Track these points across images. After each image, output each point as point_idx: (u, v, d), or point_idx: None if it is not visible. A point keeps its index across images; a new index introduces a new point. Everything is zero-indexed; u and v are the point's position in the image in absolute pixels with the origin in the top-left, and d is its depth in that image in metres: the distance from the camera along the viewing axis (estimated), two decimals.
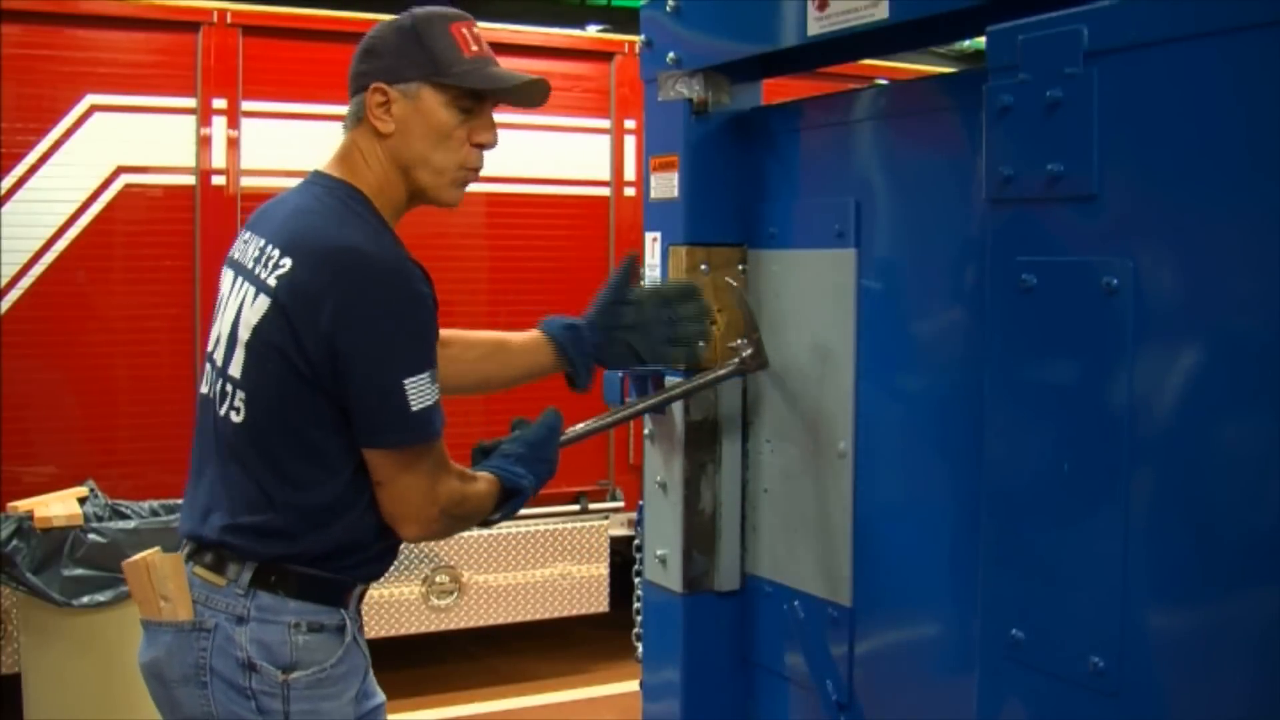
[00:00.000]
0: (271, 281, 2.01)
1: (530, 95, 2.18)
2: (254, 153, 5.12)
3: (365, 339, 1.96)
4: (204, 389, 2.15)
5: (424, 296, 2.01)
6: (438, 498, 2.06)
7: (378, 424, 2.00)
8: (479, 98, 2.11)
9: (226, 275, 2.16)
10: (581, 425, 2.43)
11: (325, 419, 2.01)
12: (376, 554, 2.12)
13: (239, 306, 2.06)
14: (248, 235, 2.15)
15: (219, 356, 2.09)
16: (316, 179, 2.14)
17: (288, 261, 2.00)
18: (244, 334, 2.03)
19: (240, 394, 2.03)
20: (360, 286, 1.96)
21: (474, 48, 2.11)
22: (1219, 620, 1.55)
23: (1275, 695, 1.47)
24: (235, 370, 2.04)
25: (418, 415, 1.98)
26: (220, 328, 2.11)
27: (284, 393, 2.00)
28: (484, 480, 2.16)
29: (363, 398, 1.98)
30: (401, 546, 2.23)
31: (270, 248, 2.04)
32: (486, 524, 2.25)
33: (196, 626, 2.04)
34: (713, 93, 2.59)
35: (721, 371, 2.51)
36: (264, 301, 2.01)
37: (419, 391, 1.98)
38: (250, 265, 2.07)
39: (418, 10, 2.12)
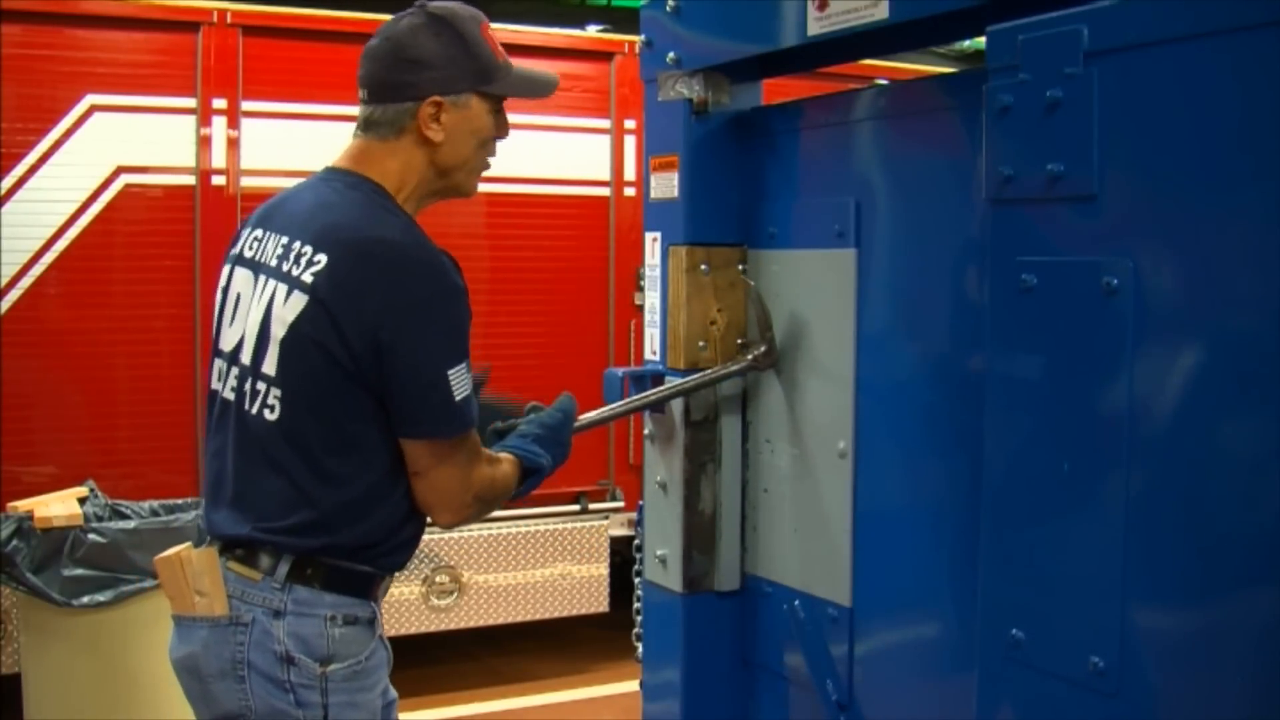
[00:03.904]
0: (307, 278, 2.00)
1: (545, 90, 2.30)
2: (254, 153, 5.12)
3: (410, 332, 1.98)
4: (220, 387, 2.14)
5: (460, 289, 2.04)
6: (472, 485, 2.10)
7: (422, 415, 2.02)
8: (505, 97, 2.18)
9: (240, 274, 2.14)
10: (595, 412, 2.46)
11: (364, 412, 2.02)
12: (402, 543, 2.13)
13: (268, 304, 2.05)
14: (260, 232, 2.14)
15: (246, 355, 2.08)
16: (334, 175, 2.14)
17: (322, 257, 2.01)
18: (278, 330, 2.02)
19: (275, 391, 2.03)
20: (402, 280, 1.98)
21: (500, 49, 2.18)
22: (1218, 620, 1.55)
23: (1275, 695, 1.47)
24: (270, 368, 2.04)
25: (459, 406, 2.02)
26: (244, 326, 2.10)
27: (324, 387, 2.01)
28: (506, 461, 2.20)
29: (407, 390, 2.00)
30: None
31: (299, 244, 2.04)
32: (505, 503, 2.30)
33: (233, 621, 2.04)
34: (713, 93, 2.59)
35: (734, 367, 2.54)
36: (300, 298, 2.01)
37: (459, 382, 2.01)
38: (274, 263, 2.06)
39: (438, 12, 2.13)
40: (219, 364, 2.15)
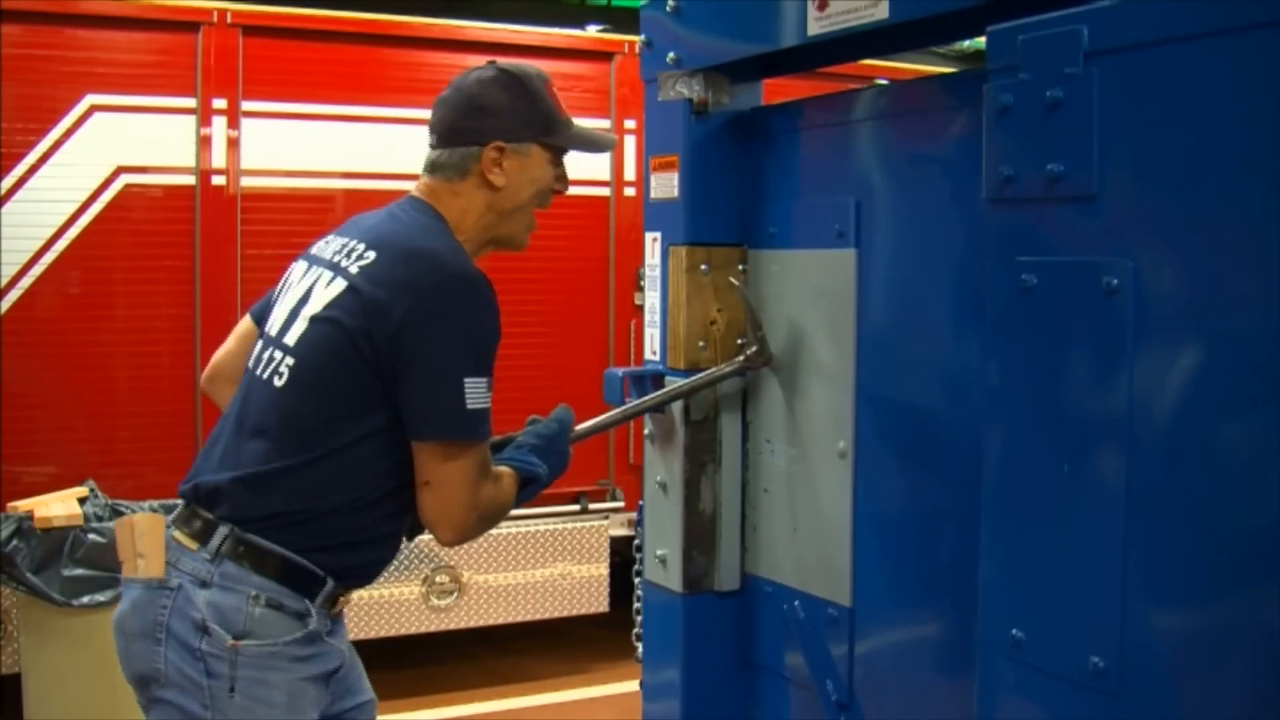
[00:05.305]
0: (353, 269, 2.13)
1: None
2: (254, 153, 5.12)
3: (435, 334, 2.05)
4: (251, 364, 2.23)
5: (493, 308, 2.12)
6: (478, 503, 2.14)
7: (432, 416, 2.07)
8: (564, 151, 2.31)
9: (298, 266, 2.27)
10: (591, 421, 2.48)
11: (368, 399, 2.08)
12: (352, 544, 2.14)
13: (309, 286, 2.17)
14: (331, 238, 2.27)
15: (275, 329, 2.19)
16: (406, 201, 2.28)
17: (372, 254, 2.13)
18: (310, 309, 2.14)
19: (289, 360, 2.12)
20: (440, 287, 2.07)
21: (563, 107, 2.31)
22: (1219, 620, 1.55)
23: (1276, 695, 1.47)
24: (290, 339, 2.15)
25: (471, 413, 2.07)
26: (284, 307, 2.21)
27: (336, 365, 2.08)
28: (506, 476, 2.25)
29: (421, 389, 2.06)
30: (401, 546, 2.27)
31: (356, 244, 2.17)
32: None
33: (162, 585, 2.10)
34: (713, 93, 2.59)
35: (727, 369, 2.54)
36: (340, 284, 2.12)
37: (476, 392, 2.07)
38: (330, 256, 2.20)
39: (510, 68, 2.28)
40: (259, 344, 2.24)
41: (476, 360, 2.08)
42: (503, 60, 2.31)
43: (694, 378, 2.54)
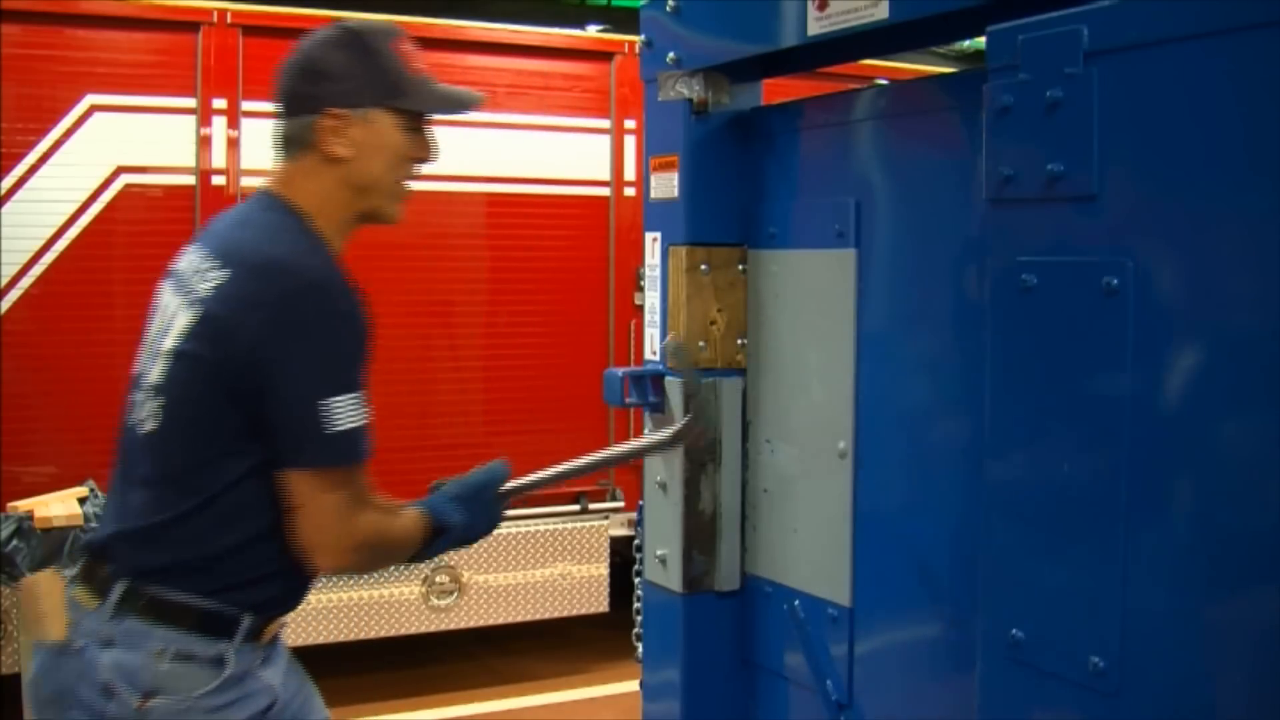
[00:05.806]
0: (205, 291, 1.98)
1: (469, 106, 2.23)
2: (254, 153, 5.12)
3: (289, 354, 1.92)
4: (126, 409, 2.11)
5: (353, 315, 1.97)
6: (356, 530, 2.00)
7: (296, 442, 1.94)
8: (423, 115, 2.12)
9: (165, 287, 2.12)
10: (528, 477, 2.36)
11: (236, 430, 1.96)
12: (261, 578, 2.02)
13: (169, 316, 2.04)
14: (192, 248, 2.12)
15: (141, 369, 2.06)
16: (259, 195, 2.12)
17: (220, 274, 1.98)
18: (169, 343, 2.00)
19: (156, 402, 2.00)
20: (290, 300, 1.93)
21: (415, 64, 2.12)
22: (1219, 620, 1.55)
23: (1276, 695, 1.47)
24: (154, 378, 2.02)
25: (338, 436, 1.92)
26: (148, 343, 2.08)
27: (201, 401, 1.96)
28: (409, 516, 2.12)
29: (283, 414, 1.94)
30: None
31: (206, 260, 2.03)
32: (410, 562, 2.19)
33: (65, 648, 2.00)
34: (713, 93, 2.59)
35: (655, 439, 2.52)
36: (194, 310, 1.98)
37: (342, 412, 1.92)
38: (187, 275, 2.05)
39: (353, 26, 2.10)
40: (131, 388, 2.10)
41: (339, 376, 1.93)
42: (351, 19, 2.12)
43: (621, 448, 2.65)
